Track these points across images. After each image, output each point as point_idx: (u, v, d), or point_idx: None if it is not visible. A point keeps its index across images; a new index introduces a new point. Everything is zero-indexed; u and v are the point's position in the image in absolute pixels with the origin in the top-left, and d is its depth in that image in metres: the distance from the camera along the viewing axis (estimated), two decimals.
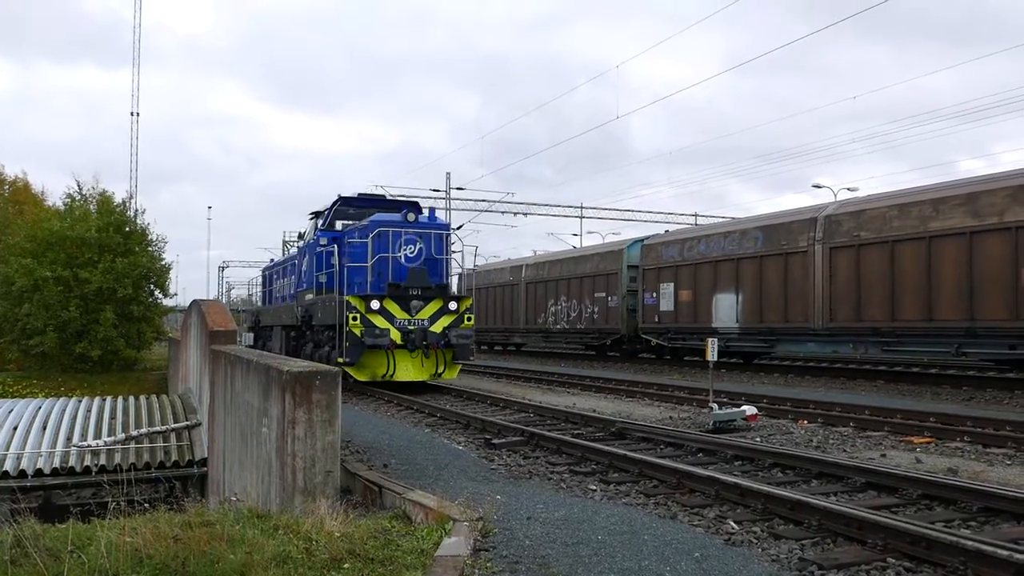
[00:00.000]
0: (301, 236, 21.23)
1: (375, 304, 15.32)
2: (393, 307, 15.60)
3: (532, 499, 6.62)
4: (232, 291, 78.55)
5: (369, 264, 15.84)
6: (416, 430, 11.21)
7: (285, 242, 59.29)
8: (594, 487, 7.43)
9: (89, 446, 14.23)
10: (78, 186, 34.89)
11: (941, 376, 18.87)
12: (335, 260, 16.94)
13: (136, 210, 36.22)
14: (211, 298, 37.34)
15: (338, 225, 18.87)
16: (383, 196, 19.61)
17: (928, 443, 9.94)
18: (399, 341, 15.43)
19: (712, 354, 12.82)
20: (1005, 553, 4.56)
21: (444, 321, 15.99)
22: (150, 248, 34.48)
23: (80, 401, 18.54)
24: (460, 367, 17.23)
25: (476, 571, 4.68)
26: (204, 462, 13.84)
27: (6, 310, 31.01)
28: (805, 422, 11.83)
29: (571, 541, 5.29)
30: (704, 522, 6.06)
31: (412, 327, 15.54)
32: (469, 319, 16.44)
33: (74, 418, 16.61)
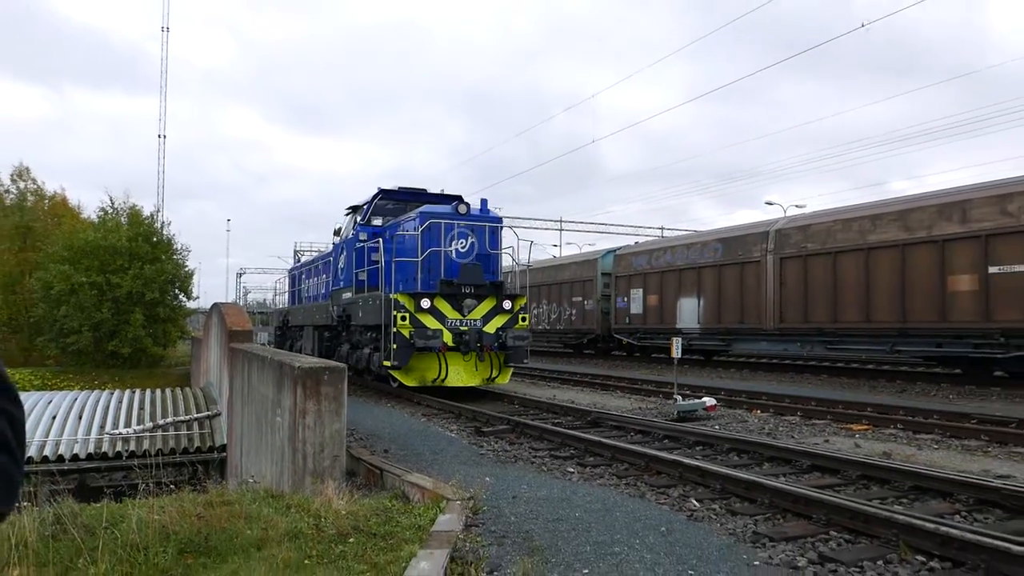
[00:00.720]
0: (336, 232, 17.83)
1: (426, 303, 12.58)
2: (444, 306, 12.83)
3: (517, 481, 6.62)
4: (248, 295, 78.11)
5: (420, 259, 12.95)
6: (413, 420, 11.18)
7: (296, 251, 59.17)
8: (572, 470, 7.43)
9: (120, 433, 14.12)
10: (110, 200, 34.78)
11: (877, 371, 19.00)
12: (378, 256, 14.10)
13: (163, 222, 36.01)
14: (230, 301, 37.10)
15: (376, 221, 15.91)
16: (424, 189, 16.25)
17: (866, 430, 10.01)
18: (451, 343, 12.69)
19: (676, 352, 12.85)
20: (931, 526, 4.61)
21: (498, 321, 13.24)
22: (175, 256, 34.27)
23: (112, 393, 18.38)
24: (512, 371, 14.37)
25: (468, 544, 4.68)
26: (224, 448, 13.76)
27: (45, 312, 30.79)
28: (758, 412, 11.88)
29: (552, 518, 5.30)
30: (669, 500, 6.08)
31: (464, 328, 12.84)
32: (524, 319, 13.60)
33: (106, 409, 16.46)
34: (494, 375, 13.55)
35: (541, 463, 7.83)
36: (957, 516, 5.47)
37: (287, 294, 25.66)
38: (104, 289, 30.15)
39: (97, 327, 29.91)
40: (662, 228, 51.91)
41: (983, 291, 14.40)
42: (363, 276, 14.90)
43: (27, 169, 39.53)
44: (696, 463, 6.92)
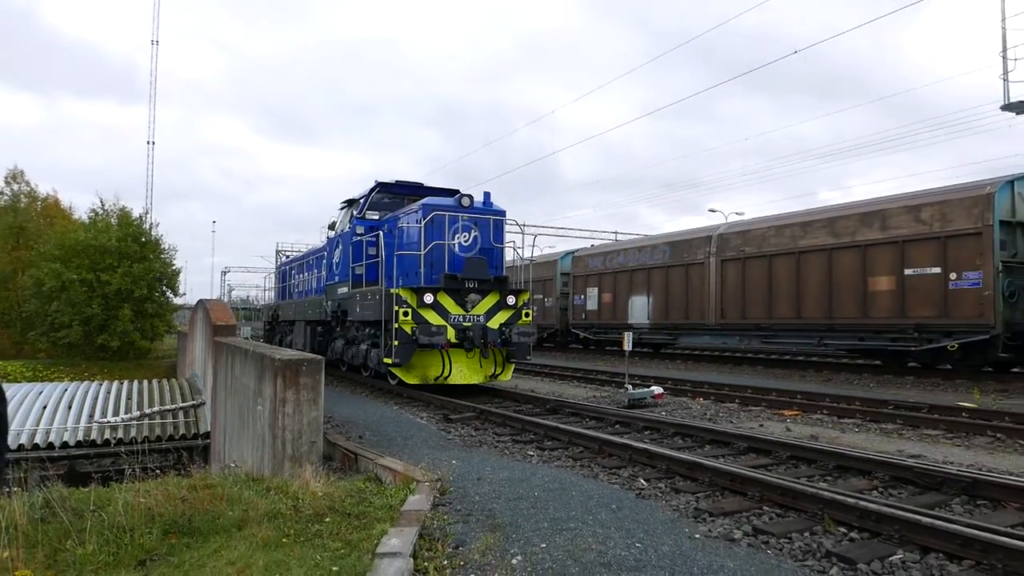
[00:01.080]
0: (331, 226, 16.31)
1: (429, 298, 11.34)
2: (447, 301, 11.58)
3: (481, 463, 6.62)
4: (232, 292, 76.81)
5: (423, 253, 11.63)
6: (386, 408, 11.09)
7: (278, 251, 58.28)
8: (532, 453, 7.45)
9: (108, 422, 13.77)
10: (101, 202, 33.87)
11: (807, 363, 19.39)
12: (378, 250, 13.05)
13: (151, 223, 35.23)
14: (215, 298, 36.39)
15: (372, 215, 14.55)
16: (420, 183, 14.85)
17: (796, 415, 10.20)
18: (454, 340, 11.47)
19: (628, 345, 12.95)
20: (852, 501, 4.72)
21: (501, 317, 12.04)
22: (162, 255, 33.53)
23: (101, 384, 17.92)
24: (514, 367, 13.18)
25: (435, 522, 4.67)
26: (207, 435, 13.50)
27: (38, 307, 29.97)
28: (701, 399, 12.04)
29: (513, 497, 5.31)
30: (620, 480, 6.14)
31: (468, 323, 11.68)
32: (527, 315, 12.39)
33: (95, 398, 16.05)
34: (497, 372, 12.36)
35: (504, 447, 7.83)
36: (875, 492, 5.61)
37: (276, 289, 23.96)
38: (94, 286, 29.43)
39: (87, 322, 29.17)
40: (616, 232, 52.17)
41: (899, 291, 14.79)
42: (360, 271, 13.60)
43: (21, 172, 38.31)
44: (644, 446, 6.99)
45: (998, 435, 8.29)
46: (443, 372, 11.74)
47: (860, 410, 10.09)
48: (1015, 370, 14.90)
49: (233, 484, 5.51)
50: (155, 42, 45.82)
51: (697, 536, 4.44)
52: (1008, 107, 10.86)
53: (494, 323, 11.88)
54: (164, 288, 33.64)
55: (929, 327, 14.35)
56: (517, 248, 13.01)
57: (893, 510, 4.46)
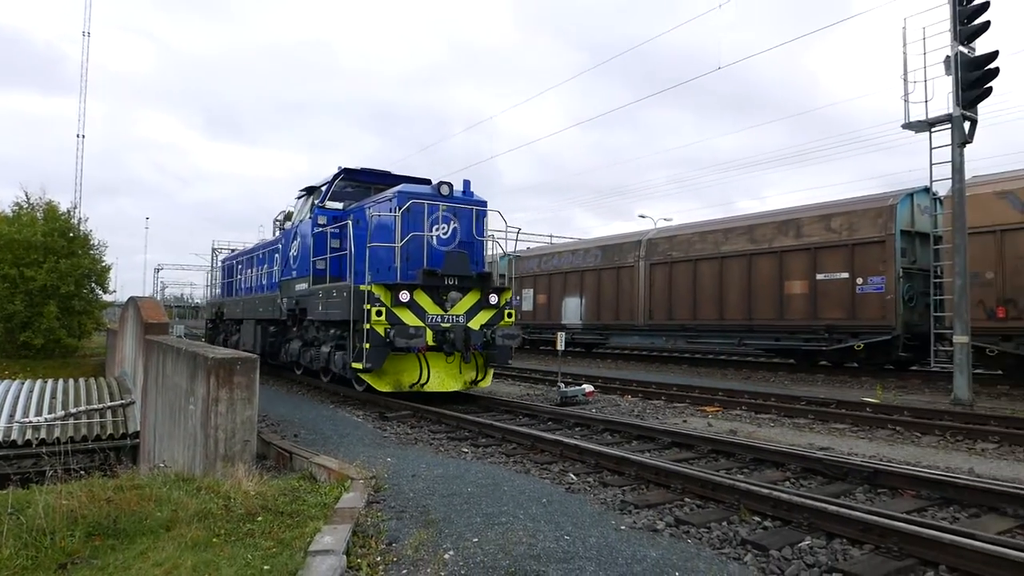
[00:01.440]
0: (287, 217, 14.61)
1: (405, 296, 9.97)
2: (424, 300, 10.21)
3: (416, 460, 6.56)
4: (166, 289, 73.92)
5: (398, 245, 10.17)
6: (323, 406, 10.87)
7: (214, 249, 56.41)
8: (466, 450, 7.43)
9: (30, 422, 13.01)
10: (26, 195, 32.00)
11: (728, 361, 20.03)
12: (343, 242, 11.61)
13: (80, 218, 33.47)
14: (147, 295, 34.91)
15: (334, 204, 12.94)
16: (388, 171, 13.32)
17: (717, 411, 10.52)
18: (431, 342, 10.10)
19: (560, 344, 13.08)
20: (766, 491, 4.90)
21: (483, 317, 10.72)
22: (92, 251, 31.93)
23: (23, 383, 16.90)
24: (493, 372, 11.75)
25: (369, 519, 4.60)
26: (136, 435, 12.91)
27: None
28: (629, 397, 12.27)
29: (447, 493, 5.28)
30: (551, 475, 6.18)
31: (447, 324, 10.32)
32: (510, 315, 11.09)
33: (17, 398, 15.14)
34: (478, 378, 11.04)
35: (439, 444, 7.78)
36: (787, 482, 5.84)
37: (220, 285, 21.58)
38: (17, 282, 27.77)
39: (9, 319, 27.52)
40: (551, 236, 52.69)
41: (812, 294, 15.45)
42: (322, 265, 12.05)
43: None
44: (574, 442, 7.06)
45: (897, 428, 8.76)
46: (420, 378, 10.36)
47: (775, 406, 10.49)
48: (913, 368, 15.77)
49: (162, 484, 5.29)
50: (87, 33, 43.68)
51: (623, 528, 4.52)
52: (908, 126, 11.48)
53: (475, 324, 10.57)
54: (93, 285, 32.07)
55: (838, 328, 15.04)
56: (498, 241, 11.62)
57: (802, 499, 4.65)
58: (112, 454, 11.93)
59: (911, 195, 14.71)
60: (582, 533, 4.33)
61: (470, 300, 10.62)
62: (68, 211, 32.70)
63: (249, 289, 17.47)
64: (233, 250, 24.47)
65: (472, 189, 11.28)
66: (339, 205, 12.79)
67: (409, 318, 10.05)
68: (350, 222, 11.17)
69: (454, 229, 10.82)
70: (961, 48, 10.65)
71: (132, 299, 16.75)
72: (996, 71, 10.52)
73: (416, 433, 8.49)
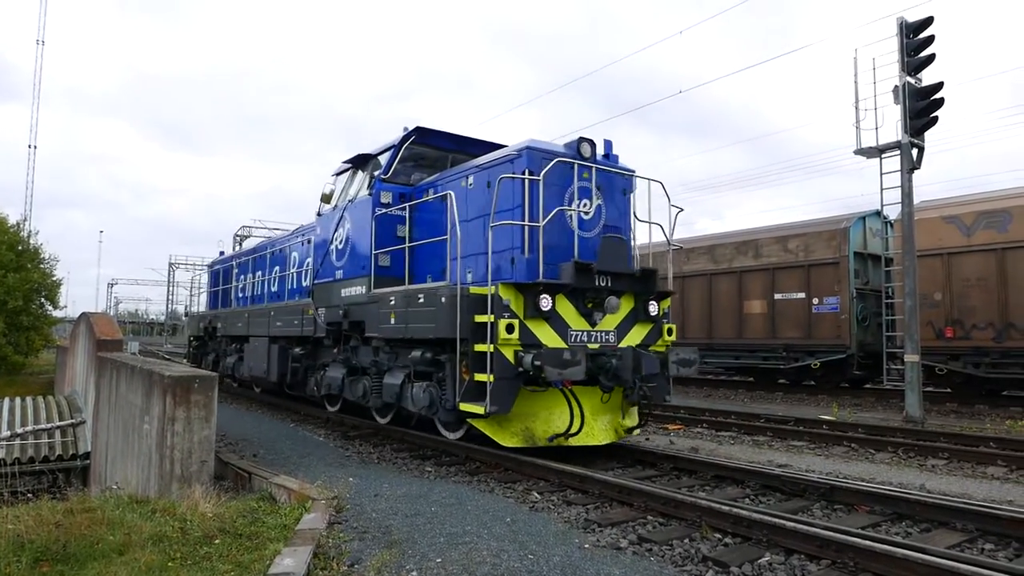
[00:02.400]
0: (326, 198, 10.31)
1: (546, 302, 6.85)
2: (567, 309, 7.12)
3: (379, 480, 6.49)
4: (120, 305, 72.00)
5: (541, 225, 6.94)
6: (283, 425, 10.68)
7: (171, 264, 55.23)
8: (430, 469, 7.37)
9: None
10: None
11: (689, 380, 20.26)
12: (424, 230, 8.50)
13: (29, 231, 32.48)
14: (100, 311, 33.96)
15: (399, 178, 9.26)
16: (465, 136, 9.70)
17: (679, 429, 10.63)
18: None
19: None
20: (727, 508, 4.98)
21: (637, 334, 7.67)
22: (42, 265, 31.00)
23: None
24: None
25: (331, 541, 4.53)
26: (87, 456, 12.48)
27: None
28: None
29: (410, 513, 5.23)
30: (515, 494, 6.16)
31: (594, 344, 7.23)
32: (670, 331, 8.01)
33: None
34: (632, 425, 7.87)
35: (402, 463, 7.70)
36: (747, 499, 5.93)
37: (207, 295, 17.86)
38: None
39: None
40: None
41: (770, 313, 15.80)
42: (386, 261, 8.68)
43: None
44: (540, 461, 7.05)
45: (852, 445, 8.98)
46: (568, 426, 7.04)
47: (736, 423, 10.65)
48: (867, 386, 16.19)
49: (115, 507, 5.14)
50: (40, 42, 42.66)
51: (586, 546, 4.53)
52: (859, 152, 11.90)
53: (628, 342, 7.54)
54: (43, 300, 31.09)
55: (795, 347, 15.38)
56: (650, 224, 8.10)
57: (762, 516, 4.73)
58: (61, 476, 11.53)
59: (863, 218, 15.21)
60: (546, 552, 4.33)
61: (624, 310, 7.55)
62: (17, 223, 31.76)
63: (258, 297, 14.00)
64: (222, 253, 20.91)
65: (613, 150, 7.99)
66: (405, 180, 9.29)
67: (549, 336, 6.86)
68: (427, 200, 8.23)
69: (598, 207, 7.59)
70: (909, 79, 11.11)
71: (84, 315, 16.26)
72: (941, 101, 10.99)
73: (379, 452, 8.38)
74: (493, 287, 6.74)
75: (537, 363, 6.44)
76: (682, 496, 5.38)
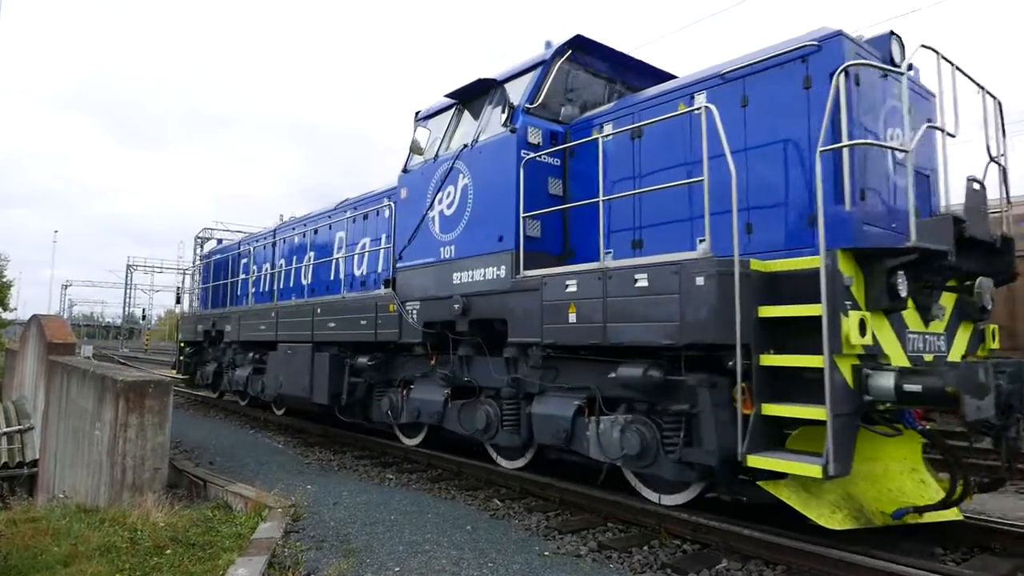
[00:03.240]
0: (416, 149, 7.58)
1: (902, 284, 4.25)
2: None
3: (339, 488, 6.40)
4: (74, 308, 70.04)
5: (911, 148, 4.18)
6: (242, 432, 10.47)
7: (129, 266, 53.87)
8: (391, 476, 7.28)
9: None
10: None
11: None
12: (595, 184, 5.44)
13: None
14: (53, 313, 32.93)
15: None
16: (637, 58, 7.13)
17: None
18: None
19: None
20: (685, 516, 5.01)
21: (962, 338, 5.13)
22: None
23: None
24: None
25: (287, 550, 4.44)
26: (35, 463, 12.05)
27: None
28: None
29: (369, 521, 5.17)
30: (476, 502, 6.12)
31: (929, 355, 4.75)
32: (994, 333, 5.50)
33: None
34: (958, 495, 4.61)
35: (363, 471, 7.60)
36: None
37: (202, 292, 14.77)
38: None
39: None
40: None
41: None
42: (535, 230, 6.09)
43: None
44: (502, 468, 7.03)
45: None
46: (953, 493, 4.53)
47: None
48: None
49: (61, 516, 4.98)
50: None
51: (547, 553, 4.53)
52: None
53: (954, 354, 5.04)
54: None
55: None
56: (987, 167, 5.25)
57: (719, 523, 4.78)
58: (6, 485, 11.10)
59: None
60: (506, 560, 4.31)
61: (947, 300, 5.01)
62: None
63: (279, 292, 11.19)
64: (220, 241, 17.59)
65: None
66: (552, 114, 6.60)
67: (891, 342, 4.44)
68: (710, 111, 4.66)
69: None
70: None
71: (35, 317, 15.72)
72: None
73: (340, 459, 8.27)
74: (826, 257, 4.00)
75: (914, 389, 3.94)
76: (641, 504, 5.40)
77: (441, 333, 6.91)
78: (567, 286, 5.34)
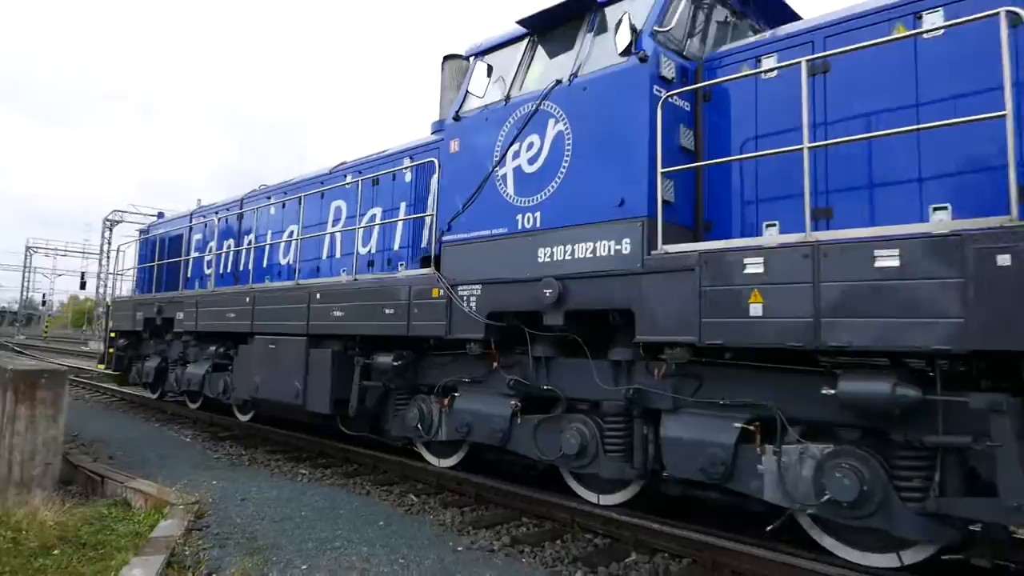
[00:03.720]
0: (477, 89, 6.08)
1: None
2: None
3: (248, 483, 6.18)
4: None
5: None
6: (147, 425, 9.95)
7: (28, 248, 50.39)
8: (304, 471, 7.08)
9: None
10: None
11: None
12: (740, 129, 4.72)
13: None
14: None
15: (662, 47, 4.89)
16: None
17: None
18: None
19: None
20: (599, 511, 5.10)
21: None
22: None
23: None
24: None
25: (187, 549, 4.25)
26: None
27: None
28: None
29: (279, 518, 5.01)
30: (391, 497, 6.04)
31: None
32: None
33: None
34: None
35: (275, 466, 7.37)
36: None
37: (145, 272, 12.22)
38: None
39: None
40: None
41: None
42: (669, 194, 4.70)
43: None
44: (419, 464, 6.96)
45: None
46: None
47: None
48: None
49: None
50: None
51: (460, 549, 4.51)
52: None
53: None
54: None
55: None
56: None
57: (630, 518, 4.88)
58: None
59: None
60: (418, 556, 4.27)
61: None
62: None
63: (252, 273, 9.26)
64: (161, 215, 14.26)
65: None
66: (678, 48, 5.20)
67: None
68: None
69: None
70: None
71: None
72: None
73: (251, 453, 7.99)
74: None
75: None
76: (556, 499, 5.43)
77: (512, 327, 5.43)
78: (746, 266, 3.99)
